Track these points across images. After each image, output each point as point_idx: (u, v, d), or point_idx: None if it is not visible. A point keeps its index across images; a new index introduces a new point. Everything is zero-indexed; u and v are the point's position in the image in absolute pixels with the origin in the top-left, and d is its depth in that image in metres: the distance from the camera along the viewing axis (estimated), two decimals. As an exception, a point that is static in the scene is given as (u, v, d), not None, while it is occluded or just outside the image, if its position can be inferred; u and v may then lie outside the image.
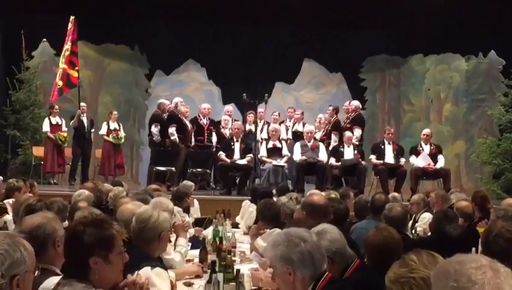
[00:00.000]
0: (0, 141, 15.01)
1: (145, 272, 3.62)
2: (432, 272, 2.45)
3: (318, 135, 12.99)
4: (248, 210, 8.47)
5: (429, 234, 6.28)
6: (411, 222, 7.75)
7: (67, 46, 13.30)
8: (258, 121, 13.27)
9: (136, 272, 3.25)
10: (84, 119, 13.51)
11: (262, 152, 12.36)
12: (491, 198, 9.19)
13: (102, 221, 2.87)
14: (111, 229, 2.80)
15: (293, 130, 13.62)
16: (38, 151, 14.07)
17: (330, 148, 12.57)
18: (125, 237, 4.19)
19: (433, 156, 12.12)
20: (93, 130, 13.82)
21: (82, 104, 13.81)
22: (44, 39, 16.11)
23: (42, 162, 13.61)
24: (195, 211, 9.09)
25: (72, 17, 13.40)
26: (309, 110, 15.83)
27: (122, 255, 2.81)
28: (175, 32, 16.10)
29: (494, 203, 8.52)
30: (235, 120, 13.51)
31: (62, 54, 13.38)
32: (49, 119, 13.54)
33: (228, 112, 13.85)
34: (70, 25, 13.39)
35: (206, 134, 12.95)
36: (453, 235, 4.63)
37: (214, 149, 12.86)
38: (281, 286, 3.03)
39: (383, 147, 12.37)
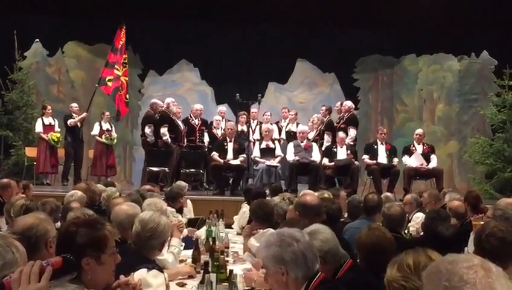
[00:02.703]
0: (-8, 142, 14.97)
1: (141, 274, 3.64)
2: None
3: (311, 135, 13.00)
4: (241, 210, 8.48)
5: (422, 233, 6.29)
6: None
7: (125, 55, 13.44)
8: (251, 121, 13.29)
9: (132, 273, 3.26)
10: (74, 119, 13.50)
11: (256, 152, 12.37)
12: (483, 198, 9.23)
13: (95, 221, 2.86)
14: (103, 230, 2.78)
15: (287, 130, 13.64)
16: (31, 151, 14.03)
17: (323, 148, 12.58)
18: (118, 237, 4.20)
19: (426, 156, 12.15)
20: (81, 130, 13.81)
21: (74, 104, 13.80)
22: (37, 40, 16.09)
23: (35, 163, 13.56)
24: (189, 212, 9.08)
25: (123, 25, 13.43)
26: (302, 110, 15.84)
27: (114, 256, 2.79)
28: (168, 32, 16.09)
29: (487, 203, 8.54)
30: (228, 120, 13.51)
31: (119, 62, 13.40)
32: (42, 119, 13.50)
33: (221, 112, 13.86)
34: (122, 33, 13.39)
35: (197, 134, 12.96)
36: (445, 235, 4.63)
37: (207, 149, 12.86)
38: (274, 286, 3.03)
39: (376, 147, 12.39)
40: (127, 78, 13.76)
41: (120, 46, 13.45)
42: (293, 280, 2.96)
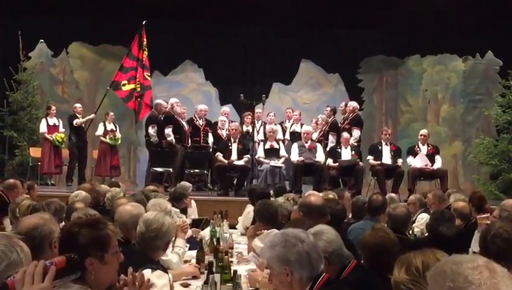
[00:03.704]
0: (-3, 142, 15.00)
1: (146, 274, 3.63)
2: None
3: (315, 136, 12.99)
4: (245, 211, 8.47)
5: (426, 234, 6.28)
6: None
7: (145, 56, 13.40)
8: (256, 121, 13.28)
9: (137, 271, 3.25)
10: (81, 120, 13.54)
11: (260, 153, 12.36)
12: (488, 199, 9.23)
13: (97, 221, 2.86)
14: (106, 230, 2.78)
15: (291, 130, 13.65)
16: (35, 152, 14.04)
17: (327, 149, 12.58)
18: (121, 236, 4.21)
19: (431, 157, 12.12)
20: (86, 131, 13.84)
21: (78, 105, 13.83)
22: (42, 40, 16.11)
23: (39, 163, 13.59)
24: (193, 212, 9.07)
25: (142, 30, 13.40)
26: (306, 110, 15.84)
27: (117, 255, 2.79)
28: (172, 33, 16.07)
29: (492, 203, 8.53)
30: (231, 121, 13.52)
31: (141, 64, 13.39)
32: (46, 120, 13.51)
33: (225, 113, 13.87)
34: (144, 43, 13.35)
35: (202, 135, 12.97)
36: (448, 235, 4.62)
37: (211, 150, 12.86)
38: (278, 286, 3.02)
39: (380, 147, 12.37)
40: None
41: (145, 57, 13.39)
42: (298, 280, 2.95)
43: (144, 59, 13.33)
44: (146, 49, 13.31)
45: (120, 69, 13.47)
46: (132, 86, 13.25)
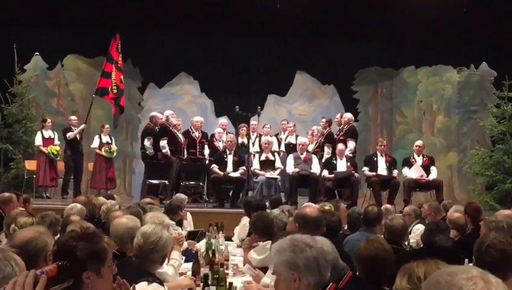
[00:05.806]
0: (-8, 155, 14.96)
1: (142, 287, 3.63)
2: None
3: (311, 147, 13.00)
4: (241, 223, 8.46)
5: (422, 245, 6.28)
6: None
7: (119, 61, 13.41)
8: (251, 133, 13.29)
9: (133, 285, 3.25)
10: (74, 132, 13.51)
11: (255, 165, 12.36)
12: (484, 209, 9.20)
13: (93, 235, 2.85)
14: (102, 243, 2.78)
15: (286, 142, 13.66)
16: (30, 165, 14.01)
17: (323, 160, 12.57)
18: (116, 249, 4.20)
19: (426, 168, 12.14)
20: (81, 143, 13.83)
21: (73, 117, 13.82)
22: (37, 53, 16.10)
23: (34, 176, 13.56)
24: (188, 224, 9.06)
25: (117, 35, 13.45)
26: (301, 122, 15.86)
27: (112, 268, 2.79)
28: (167, 45, 16.09)
29: (487, 214, 8.52)
30: (228, 133, 13.52)
31: (117, 66, 13.41)
32: (42, 133, 13.49)
33: (223, 125, 13.86)
34: (118, 43, 13.39)
35: (198, 147, 12.96)
36: (443, 246, 4.62)
37: (207, 162, 12.86)
38: (285, 293, 3.00)
39: (375, 159, 12.38)
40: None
41: (120, 61, 13.44)
42: (305, 286, 2.91)
43: (119, 62, 13.37)
44: (120, 53, 13.39)
45: (102, 75, 13.50)
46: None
